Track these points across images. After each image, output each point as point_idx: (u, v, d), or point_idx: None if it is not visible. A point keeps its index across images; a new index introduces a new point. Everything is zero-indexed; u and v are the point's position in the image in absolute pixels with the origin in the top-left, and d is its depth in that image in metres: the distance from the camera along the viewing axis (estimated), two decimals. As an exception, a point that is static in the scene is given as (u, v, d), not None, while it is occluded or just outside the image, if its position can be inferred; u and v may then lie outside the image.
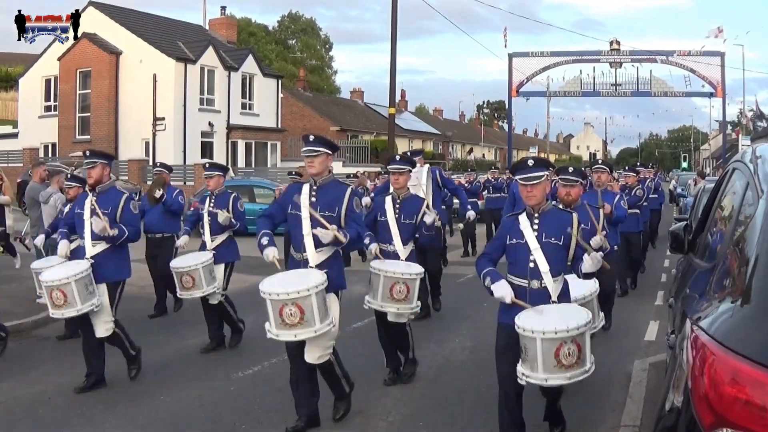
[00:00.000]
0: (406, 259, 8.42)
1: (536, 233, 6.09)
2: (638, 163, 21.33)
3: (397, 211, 8.65)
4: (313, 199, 6.88)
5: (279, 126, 46.20)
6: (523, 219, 6.23)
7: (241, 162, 41.68)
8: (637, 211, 14.51)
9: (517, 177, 6.21)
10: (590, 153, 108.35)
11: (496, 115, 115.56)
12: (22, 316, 11.03)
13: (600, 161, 9.83)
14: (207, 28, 49.01)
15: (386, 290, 7.90)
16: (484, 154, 78.64)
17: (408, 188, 9.00)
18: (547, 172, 6.17)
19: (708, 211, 5.65)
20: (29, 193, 12.86)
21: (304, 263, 6.80)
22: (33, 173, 13.29)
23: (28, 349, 9.96)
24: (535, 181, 6.09)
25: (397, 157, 9.30)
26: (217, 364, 9.18)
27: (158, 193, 12.01)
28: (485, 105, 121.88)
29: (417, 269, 8.23)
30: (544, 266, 6.01)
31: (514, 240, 6.21)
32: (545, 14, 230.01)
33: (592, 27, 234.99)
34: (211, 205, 10.16)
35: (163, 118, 38.42)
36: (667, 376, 4.12)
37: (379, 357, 8.58)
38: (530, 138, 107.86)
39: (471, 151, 72.87)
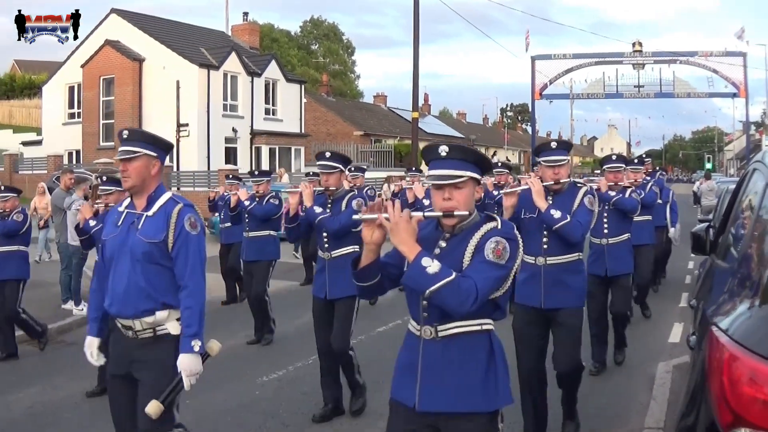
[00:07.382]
0: None
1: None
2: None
3: None
4: None
5: (303, 131, 46.27)
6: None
7: (265, 167, 41.66)
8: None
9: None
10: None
11: (519, 117, 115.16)
12: (47, 322, 11.02)
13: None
14: (230, 34, 49.15)
15: None
16: (508, 157, 78.38)
17: None
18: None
19: (729, 212, 5.63)
20: (54, 200, 12.97)
21: None
22: (61, 180, 13.31)
23: (54, 354, 10.05)
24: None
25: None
26: (242, 368, 9.22)
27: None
28: (509, 108, 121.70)
29: None
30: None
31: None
32: (561, 17, 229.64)
33: (608, 30, 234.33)
34: None
35: (187, 125, 38.52)
36: (688, 377, 4.12)
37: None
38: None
39: (495, 154, 72.73)
